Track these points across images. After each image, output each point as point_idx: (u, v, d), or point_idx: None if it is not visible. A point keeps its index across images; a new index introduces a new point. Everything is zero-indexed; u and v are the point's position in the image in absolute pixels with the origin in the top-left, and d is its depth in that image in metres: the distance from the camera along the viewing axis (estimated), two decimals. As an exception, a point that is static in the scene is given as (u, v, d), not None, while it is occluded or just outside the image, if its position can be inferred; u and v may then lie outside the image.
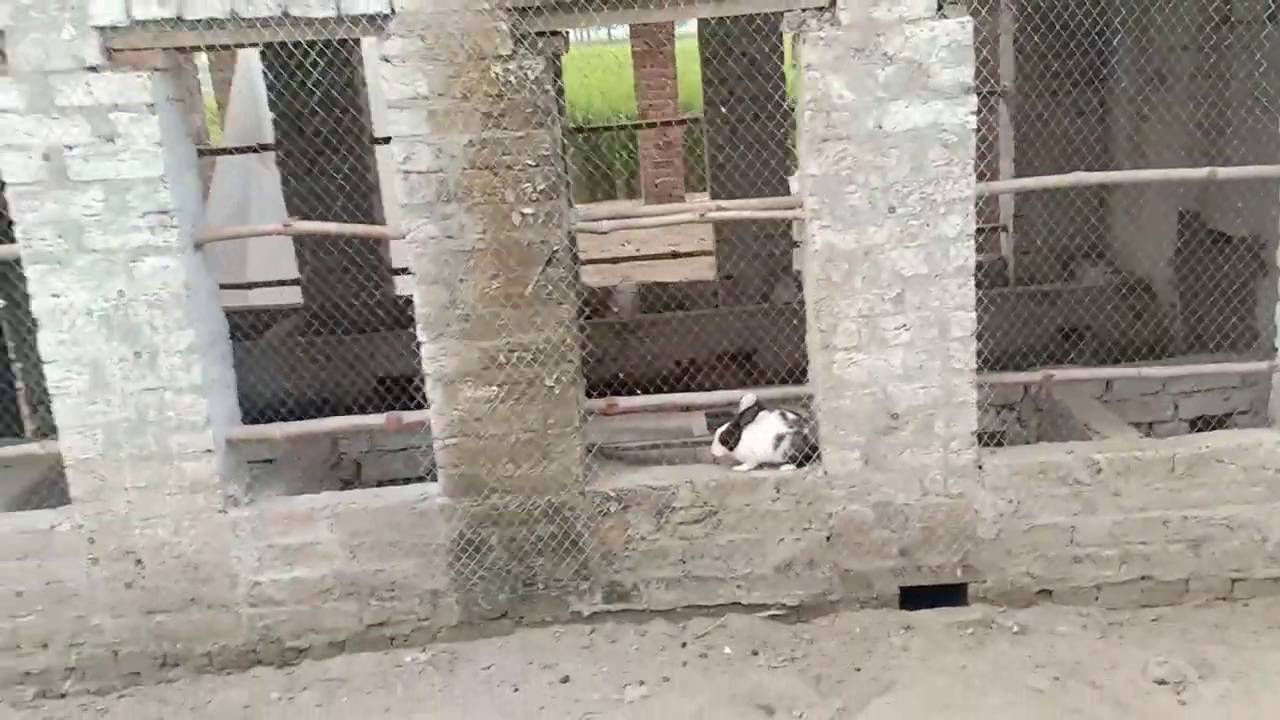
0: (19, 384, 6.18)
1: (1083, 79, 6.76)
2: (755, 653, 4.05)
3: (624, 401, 4.27)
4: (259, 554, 4.20)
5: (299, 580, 4.23)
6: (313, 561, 4.21)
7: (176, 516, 4.15)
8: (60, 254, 3.95)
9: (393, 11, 3.77)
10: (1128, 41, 6.59)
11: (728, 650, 4.08)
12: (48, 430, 6.06)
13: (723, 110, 6.70)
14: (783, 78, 7.09)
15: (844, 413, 4.08)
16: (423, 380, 5.98)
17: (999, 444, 4.28)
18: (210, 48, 4.05)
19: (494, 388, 4.06)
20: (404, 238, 3.99)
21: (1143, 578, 4.26)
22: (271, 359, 6.31)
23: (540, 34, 3.82)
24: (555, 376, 4.06)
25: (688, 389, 6.24)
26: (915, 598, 4.26)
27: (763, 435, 4.18)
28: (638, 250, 9.24)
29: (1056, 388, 4.85)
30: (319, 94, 6.53)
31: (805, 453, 4.18)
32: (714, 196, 7.14)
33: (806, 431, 4.18)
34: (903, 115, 3.86)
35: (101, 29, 3.78)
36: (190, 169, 4.14)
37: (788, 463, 4.18)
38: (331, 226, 4.69)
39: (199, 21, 3.78)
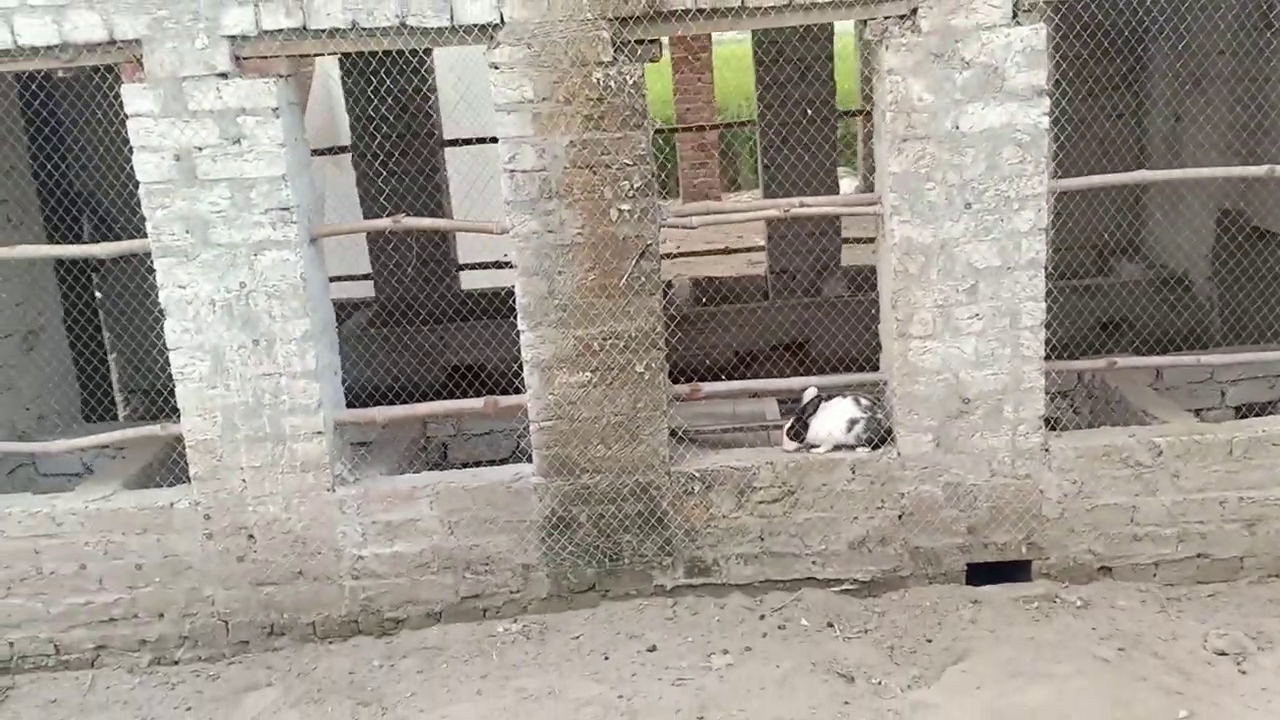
0: (114, 374, 6.54)
1: (1120, 82, 7.01)
2: (830, 625, 4.30)
3: (707, 387, 4.54)
4: (363, 529, 4.47)
5: (399, 554, 4.49)
6: (413, 537, 4.48)
7: (287, 494, 4.43)
8: (187, 248, 4.24)
9: (502, 21, 4.04)
10: (1164, 46, 6.81)
11: (804, 622, 4.33)
12: (143, 417, 6.41)
13: (808, 112, 6.92)
14: (833, 82, 7.35)
15: (918, 397, 4.34)
16: (490, 370, 6.38)
17: (1054, 429, 4.51)
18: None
19: (588, 373, 4.33)
20: (506, 233, 4.26)
21: (1199, 555, 4.50)
22: (348, 350, 6.56)
23: (639, 42, 4.09)
24: (645, 363, 4.33)
25: (744, 378, 6.50)
26: (981, 574, 4.51)
27: (836, 419, 4.42)
28: (677, 248, 9.52)
29: (1111, 376, 5.10)
30: (392, 99, 6.82)
31: (881, 435, 4.42)
32: (766, 195, 7.43)
33: (881, 415, 4.42)
34: (979, 116, 4.11)
35: (232, 38, 4.08)
36: (307, 168, 4.43)
37: (863, 445, 4.43)
38: (439, 222, 4.98)
39: (322, 31, 4.07)
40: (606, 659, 4.19)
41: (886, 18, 4.08)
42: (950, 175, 4.16)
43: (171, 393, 4.41)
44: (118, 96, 4.20)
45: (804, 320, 6.91)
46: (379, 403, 4.94)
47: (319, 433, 4.39)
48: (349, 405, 4.70)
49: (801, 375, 6.12)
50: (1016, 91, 4.10)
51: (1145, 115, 7.20)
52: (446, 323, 6.95)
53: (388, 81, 6.70)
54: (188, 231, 4.23)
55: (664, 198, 15.80)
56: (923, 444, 4.37)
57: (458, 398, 4.92)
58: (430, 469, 5.37)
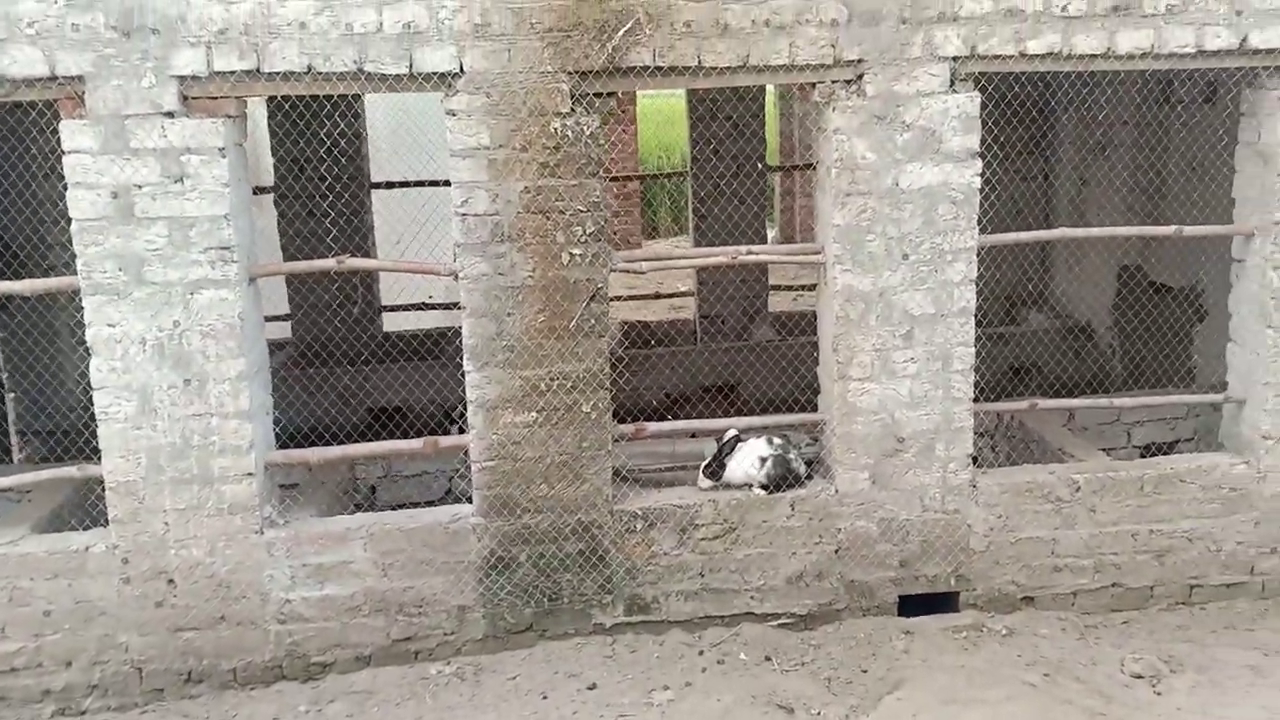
0: (10, 416, 6.25)
1: (1030, 148, 7.47)
2: (768, 658, 4.39)
3: (652, 426, 4.63)
4: (292, 572, 4.38)
5: (329, 597, 4.42)
6: (344, 579, 4.42)
7: (213, 537, 4.32)
8: (119, 286, 4.15)
9: (462, 71, 4.11)
10: (1071, 116, 7.30)
11: (743, 657, 4.42)
12: (41, 460, 6.15)
13: (756, 165, 7.06)
14: (764, 138, 7.62)
15: (856, 436, 4.51)
16: (413, 412, 6.33)
17: (979, 467, 4.74)
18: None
19: (533, 413, 4.37)
20: (454, 275, 4.30)
21: (1114, 585, 4.77)
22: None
23: (598, 95, 4.21)
24: (592, 403, 4.40)
25: (675, 419, 6.58)
26: (912, 605, 4.69)
27: (749, 456, 4.56)
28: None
29: (1028, 416, 5.38)
30: (322, 140, 6.77)
31: (787, 475, 4.55)
32: (697, 243, 7.62)
33: (791, 456, 4.57)
34: (917, 175, 4.37)
35: (181, 78, 4.05)
36: (248, 208, 4.40)
37: (764, 485, 4.53)
38: (384, 263, 4.96)
39: (276, 74, 4.07)
40: (545, 699, 4.19)
41: (834, 82, 4.31)
42: (890, 228, 4.39)
43: (75, 435, 4.26)
44: (29, 131, 4.10)
45: (733, 363, 7.06)
46: (296, 445, 4.88)
47: (249, 474, 4.31)
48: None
49: (731, 416, 6.26)
50: (952, 153, 4.37)
51: (1053, 178, 7.67)
52: (368, 364, 6.87)
53: (315, 124, 6.65)
54: (120, 269, 4.15)
55: None
56: (859, 481, 4.54)
57: (381, 439, 4.86)
58: (358, 511, 5.31)
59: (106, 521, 4.33)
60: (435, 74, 4.11)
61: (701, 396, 6.92)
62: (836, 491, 4.56)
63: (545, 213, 4.24)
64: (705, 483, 4.60)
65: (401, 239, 7.64)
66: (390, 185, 7.66)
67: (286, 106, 6.84)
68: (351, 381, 6.63)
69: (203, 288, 4.18)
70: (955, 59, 4.30)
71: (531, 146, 4.19)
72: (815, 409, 4.77)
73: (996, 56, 4.32)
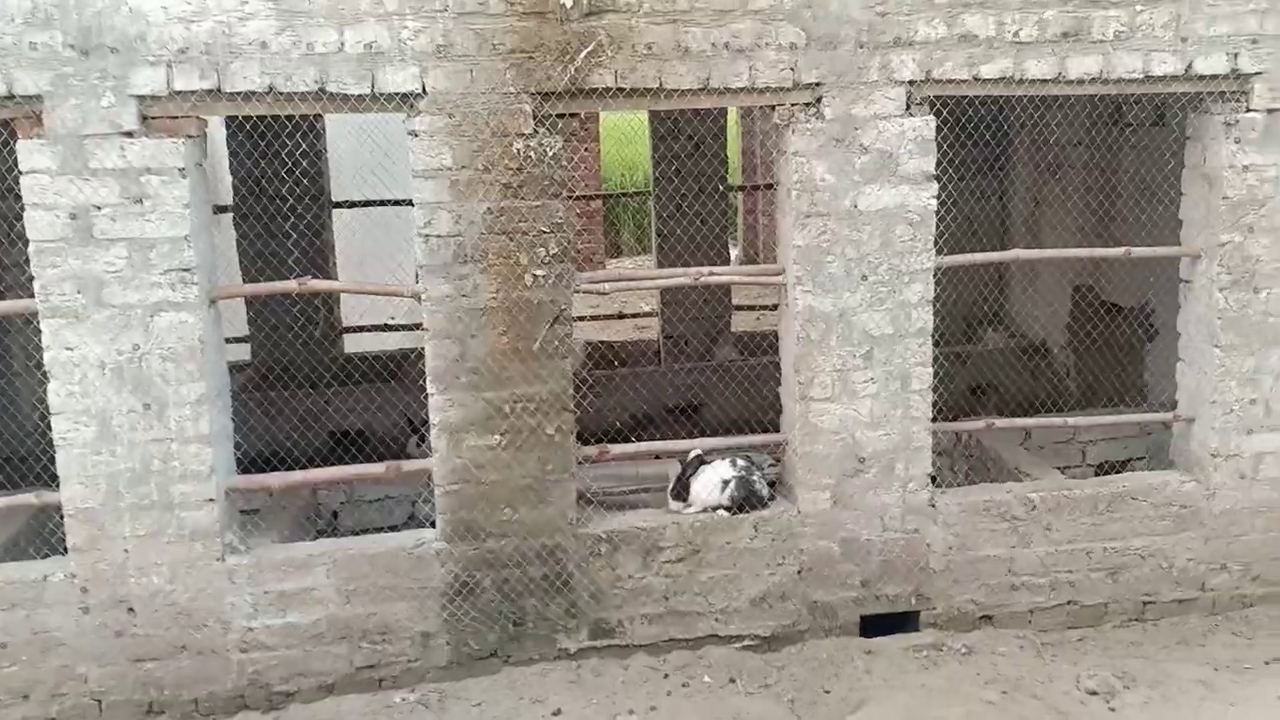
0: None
1: (985, 168, 7.60)
2: (733, 680, 4.41)
3: (616, 448, 4.64)
4: (254, 600, 4.33)
5: (292, 625, 4.37)
6: (307, 606, 4.36)
7: (173, 565, 4.26)
8: (78, 308, 4.10)
9: (425, 91, 4.12)
10: (1025, 137, 7.44)
11: (708, 680, 4.43)
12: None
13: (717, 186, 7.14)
14: (725, 158, 7.68)
15: (817, 457, 4.56)
16: (376, 435, 6.28)
17: (938, 486, 4.80)
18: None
19: (497, 436, 4.36)
20: (417, 297, 4.29)
21: (1069, 602, 4.85)
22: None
23: (560, 116, 4.23)
24: (556, 425, 4.40)
25: (640, 440, 6.58)
26: (873, 625, 4.72)
27: (713, 478, 4.58)
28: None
29: (986, 435, 5.46)
30: (282, 159, 6.71)
31: (750, 496, 4.58)
32: (659, 263, 7.64)
33: (754, 478, 4.60)
34: (875, 197, 4.44)
35: (140, 98, 4.02)
36: (209, 229, 4.37)
37: (728, 507, 4.56)
38: (347, 285, 4.93)
39: (237, 94, 4.05)
40: (510, 725, 4.16)
41: (794, 105, 4.37)
42: (849, 250, 4.46)
43: (31, 461, 4.19)
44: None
45: (697, 384, 7.08)
46: (258, 470, 4.83)
47: (210, 500, 4.26)
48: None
49: (695, 438, 6.26)
50: (909, 176, 4.45)
51: (1008, 198, 7.81)
52: (328, 387, 6.81)
53: (274, 143, 6.61)
54: (79, 292, 4.09)
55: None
56: (821, 501, 4.58)
57: (343, 463, 4.83)
58: (320, 537, 5.27)
59: (65, 549, 4.26)
60: (397, 94, 4.12)
61: (665, 418, 6.93)
62: (799, 512, 4.60)
63: (508, 234, 4.25)
64: (674, 504, 4.62)
65: (364, 260, 7.59)
66: (352, 205, 7.62)
67: (246, 125, 6.86)
68: (313, 404, 6.55)
69: (163, 310, 4.14)
70: (911, 83, 4.39)
71: (494, 167, 4.20)
72: (778, 429, 4.81)
73: (951, 81, 4.42)
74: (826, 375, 4.51)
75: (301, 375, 6.86)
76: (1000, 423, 4.92)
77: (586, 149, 13.58)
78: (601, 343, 8.10)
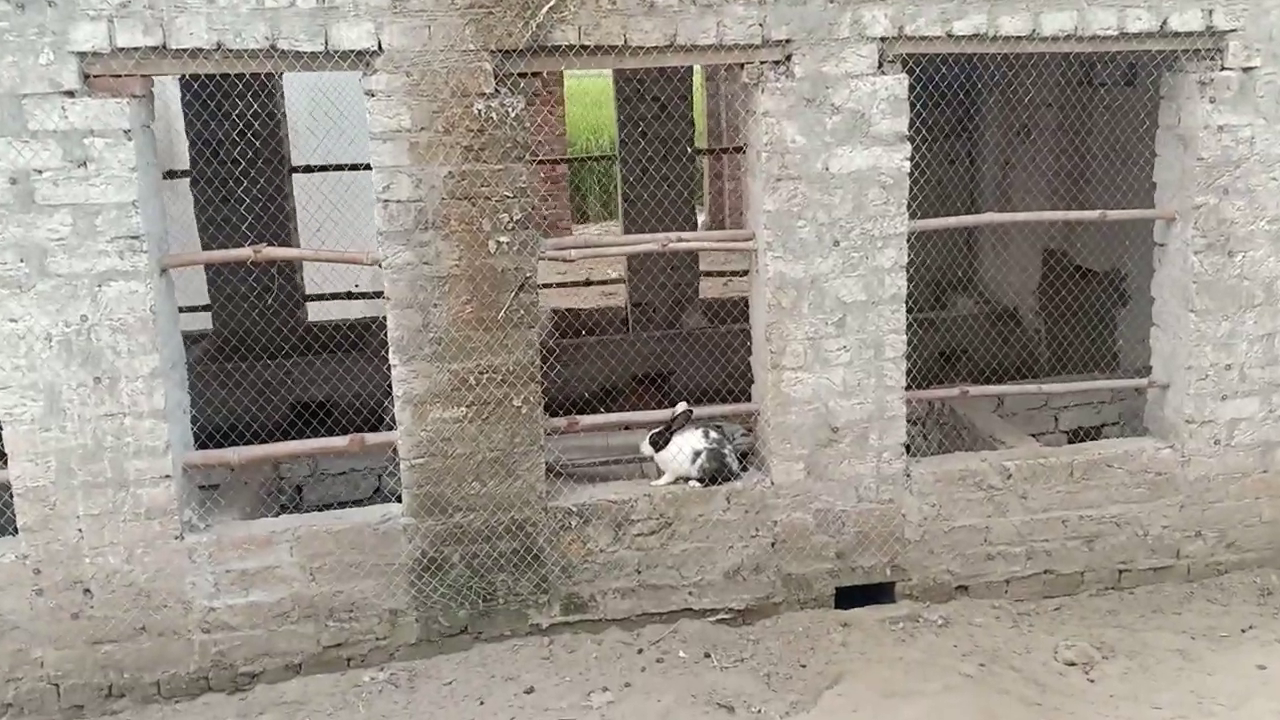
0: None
1: (953, 131, 7.51)
2: (708, 655, 4.34)
3: (585, 420, 4.53)
4: (215, 579, 4.21)
5: (255, 604, 4.25)
6: (271, 585, 4.25)
7: (130, 544, 4.13)
8: (21, 278, 3.92)
9: (380, 49, 3.94)
10: (994, 98, 7.35)
11: (682, 654, 4.36)
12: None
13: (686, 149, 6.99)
14: (692, 120, 7.54)
15: (790, 427, 4.47)
16: (339, 406, 6.13)
17: (912, 455, 4.75)
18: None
19: (463, 408, 4.24)
20: (378, 264, 4.13)
21: (1046, 572, 4.81)
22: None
23: (522, 75, 4.08)
24: (523, 397, 4.28)
25: (608, 411, 6.50)
26: (849, 597, 4.67)
27: (684, 449, 4.49)
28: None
29: (959, 403, 5.40)
30: (239, 122, 6.51)
31: (722, 469, 4.49)
32: (626, 229, 7.54)
33: (726, 450, 4.50)
34: (847, 159, 4.32)
35: (81, 55, 3.81)
36: (158, 194, 4.18)
37: (699, 479, 4.48)
38: (304, 252, 4.76)
39: (183, 51, 3.85)
40: (482, 704, 4.09)
41: (763, 63, 4.23)
42: (820, 214, 4.34)
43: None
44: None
45: (665, 352, 7.00)
46: (216, 444, 4.71)
47: (166, 476, 4.12)
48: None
49: (664, 408, 6.19)
50: (881, 136, 4.33)
51: (978, 162, 7.72)
52: (291, 357, 6.64)
53: (229, 104, 6.40)
54: (22, 260, 3.91)
55: None
56: (794, 472, 4.50)
57: (305, 436, 4.70)
58: (284, 512, 5.12)
59: (15, 530, 4.12)
60: (352, 52, 3.94)
61: (634, 387, 6.83)
62: (772, 483, 4.52)
63: (470, 199, 4.10)
64: (647, 449, 4.53)
65: (323, 226, 7.38)
66: (310, 169, 7.40)
67: (199, 86, 6.66)
68: (273, 375, 6.39)
69: (111, 279, 3.97)
70: (883, 39, 4.26)
71: (455, 129, 4.04)
72: (749, 398, 4.72)
73: (924, 38, 4.29)
74: (798, 343, 4.41)
75: (262, 345, 6.68)
76: (974, 390, 4.85)
77: (551, 111, 13.38)
78: (568, 310, 7.99)
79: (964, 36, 4.31)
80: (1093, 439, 5.60)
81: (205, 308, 7.21)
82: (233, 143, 6.67)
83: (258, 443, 4.54)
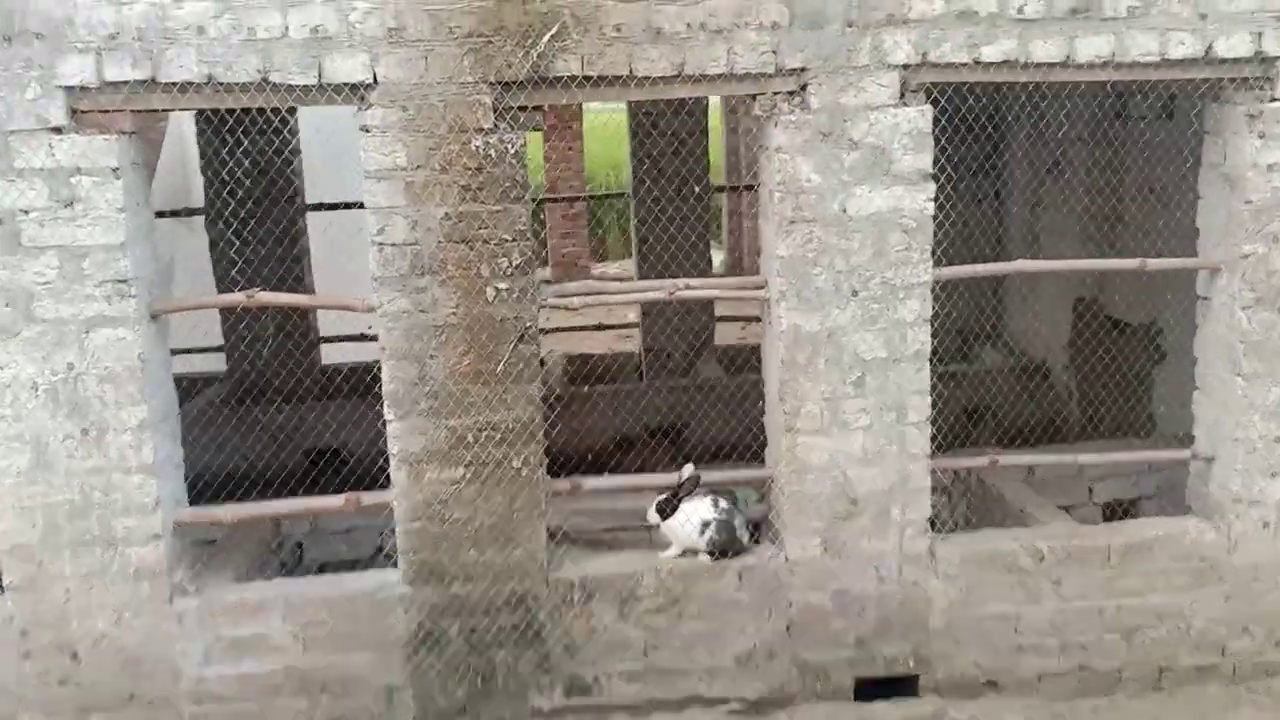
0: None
1: (979, 167, 7.21)
2: (718, 750, 4.02)
3: (589, 482, 4.27)
4: (205, 646, 4.02)
5: (247, 675, 4.04)
6: (262, 654, 4.04)
7: (119, 607, 3.96)
8: (6, 323, 3.77)
9: (375, 82, 3.75)
10: (1022, 132, 7.01)
11: (693, 748, 4.05)
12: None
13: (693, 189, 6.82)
14: (707, 157, 7.30)
15: (806, 497, 4.15)
16: (352, 454, 5.93)
17: (936, 529, 4.35)
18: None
19: (461, 469, 4.00)
20: (374, 310, 3.94)
21: (1080, 668, 4.37)
22: (195, 432, 6.03)
23: (522, 108, 3.86)
24: (523, 457, 4.03)
25: (621, 464, 6.28)
26: (869, 689, 4.30)
27: (692, 519, 4.19)
28: (547, 320, 9.27)
29: (986, 470, 5.03)
30: (252, 159, 6.41)
31: (732, 541, 4.18)
32: (640, 270, 7.31)
33: (736, 521, 4.20)
34: (866, 199, 4.00)
35: (69, 89, 3.66)
36: (149, 236, 4.01)
37: (709, 553, 4.18)
38: (297, 298, 4.56)
39: (173, 85, 3.69)
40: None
41: (776, 94, 3.96)
42: (838, 261, 4.04)
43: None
44: None
45: (679, 404, 6.74)
46: (228, 491, 4.57)
47: (156, 536, 3.94)
48: (193, 497, 4.26)
49: (680, 464, 5.92)
50: (903, 175, 4.02)
51: (1005, 201, 7.39)
52: (305, 401, 6.46)
53: (246, 140, 6.30)
54: (8, 305, 3.77)
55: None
56: (811, 548, 4.18)
57: (317, 484, 4.51)
58: (284, 572, 4.93)
59: (2, 589, 3.96)
60: (347, 85, 3.76)
61: (647, 440, 6.58)
62: (787, 560, 4.19)
63: (468, 242, 3.89)
64: (653, 517, 4.25)
65: (340, 264, 7.23)
66: (323, 207, 7.26)
67: (215, 122, 6.57)
68: (286, 421, 6.23)
69: (98, 326, 3.81)
70: (906, 67, 3.97)
71: (452, 167, 3.84)
72: (764, 458, 4.43)
73: (949, 64, 3.99)
74: (814, 404, 4.10)
75: (275, 388, 6.51)
76: (1004, 459, 4.53)
77: (570, 147, 13.23)
78: (580, 356, 7.75)
79: (993, 63, 3.99)
80: (1129, 513, 5.20)
81: (219, 348, 7.11)
82: (249, 180, 6.57)
83: (270, 490, 4.37)
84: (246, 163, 6.50)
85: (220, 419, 6.21)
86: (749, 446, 4.61)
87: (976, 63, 4.00)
